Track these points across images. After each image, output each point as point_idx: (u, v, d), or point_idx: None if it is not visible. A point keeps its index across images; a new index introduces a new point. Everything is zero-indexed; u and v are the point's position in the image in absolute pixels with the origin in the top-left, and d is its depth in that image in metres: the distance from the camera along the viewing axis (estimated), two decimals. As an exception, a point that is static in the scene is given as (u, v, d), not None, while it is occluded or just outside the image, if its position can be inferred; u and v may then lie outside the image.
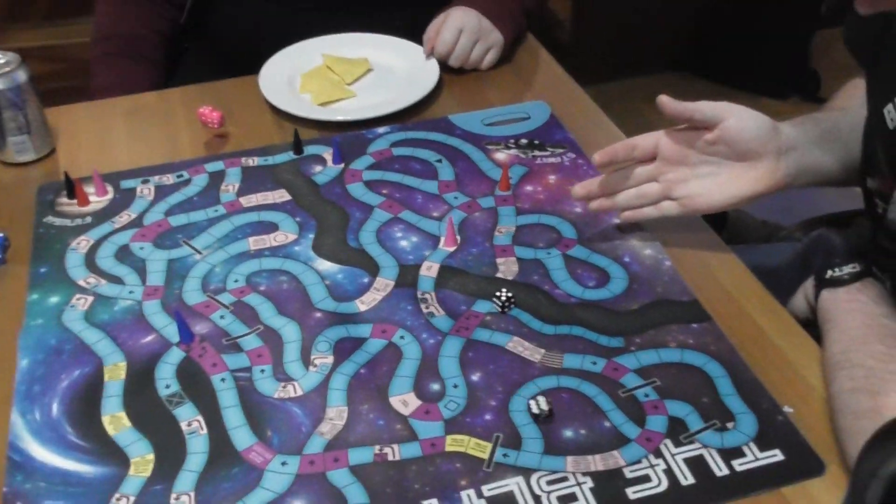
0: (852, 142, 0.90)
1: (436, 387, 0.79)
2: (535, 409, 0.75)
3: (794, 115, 0.95)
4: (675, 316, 0.85)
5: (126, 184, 1.03)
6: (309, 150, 1.09)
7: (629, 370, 0.80)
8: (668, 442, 0.73)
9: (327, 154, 1.08)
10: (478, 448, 0.73)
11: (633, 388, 0.78)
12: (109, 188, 1.02)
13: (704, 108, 0.86)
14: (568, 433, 0.74)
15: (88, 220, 0.98)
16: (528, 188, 1.02)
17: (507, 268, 0.91)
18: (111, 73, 1.33)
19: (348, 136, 1.11)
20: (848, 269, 0.80)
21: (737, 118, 0.86)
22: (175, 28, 1.41)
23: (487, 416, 0.76)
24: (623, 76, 2.76)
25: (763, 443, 0.73)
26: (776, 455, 0.72)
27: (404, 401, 0.77)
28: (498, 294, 0.86)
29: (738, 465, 0.71)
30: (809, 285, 0.85)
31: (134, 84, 1.29)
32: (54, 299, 0.88)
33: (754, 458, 0.72)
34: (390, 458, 0.73)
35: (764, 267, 0.96)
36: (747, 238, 1.23)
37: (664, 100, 0.86)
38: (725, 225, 1.20)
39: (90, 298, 0.88)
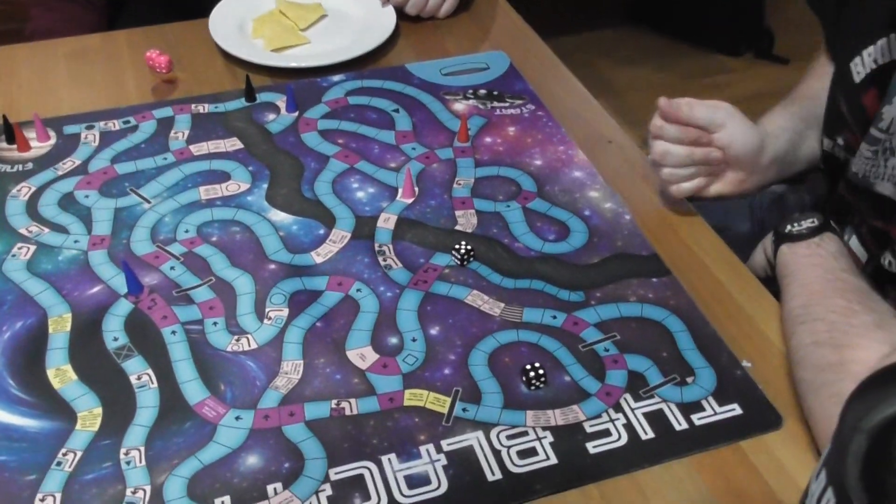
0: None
1: (394, 340, 0.77)
2: (531, 373, 0.73)
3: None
4: (635, 270, 0.84)
5: (69, 129, 0.99)
6: (262, 97, 1.05)
7: (589, 324, 0.79)
8: (628, 396, 0.73)
9: (280, 102, 1.05)
10: (437, 402, 0.72)
11: (593, 343, 0.77)
12: (52, 133, 0.98)
13: (700, 114, 0.86)
14: (528, 387, 0.73)
15: (30, 166, 0.94)
16: (488, 140, 1.00)
17: (466, 220, 0.90)
18: (49, 16, 1.27)
19: (302, 83, 1.08)
20: (807, 224, 0.80)
21: (728, 133, 0.86)
22: None
23: (446, 371, 0.75)
24: (579, 29, 2.74)
25: (722, 397, 0.73)
26: (735, 409, 0.72)
27: (362, 354, 0.76)
28: (457, 247, 0.85)
29: (697, 419, 0.71)
30: (768, 241, 0.86)
31: (74, 29, 1.24)
32: (-6, 248, 0.84)
33: (713, 412, 0.72)
34: (347, 412, 0.71)
35: (720, 224, 0.96)
36: (703, 194, 1.23)
37: (662, 103, 0.87)
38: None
39: (32, 248, 0.84)
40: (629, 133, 1.05)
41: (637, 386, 0.74)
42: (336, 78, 1.09)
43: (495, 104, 1.06)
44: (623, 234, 0.88)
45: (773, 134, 0.91)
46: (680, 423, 0.71)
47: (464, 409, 0.72)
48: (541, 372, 0.73)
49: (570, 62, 1.20)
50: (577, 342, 0.77)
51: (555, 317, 0.80)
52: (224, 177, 0.94)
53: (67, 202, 0.90)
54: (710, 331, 0.79)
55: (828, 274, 0.74)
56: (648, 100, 2.68)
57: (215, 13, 1.17)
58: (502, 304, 0.81)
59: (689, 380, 0.74)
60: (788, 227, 0.81)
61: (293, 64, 1.10)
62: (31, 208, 0.88)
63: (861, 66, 0.80)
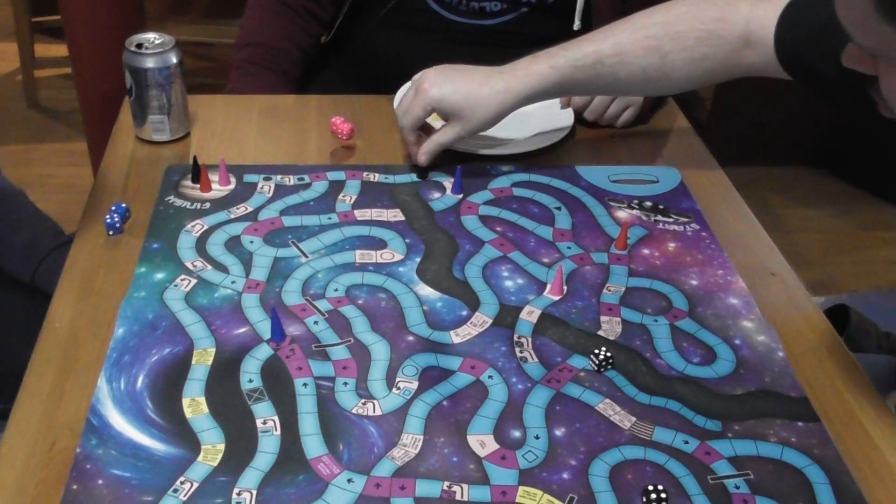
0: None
1: (517, 434, 0.76)
2: (653, 495, 0.70)
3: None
4: (780, 410, 0.80)
5: (249, 178, 1.05)
6: (430, 175, 1.08)
7: (722, 457, 0.75)
8: (754, 541, 0.68)
9: (447, 182, 1.07)
10: (549, 506, 0.70)
11: (724, 477, 0.73)
12: (232, 179, 1.04)
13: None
14: (647, 510, 0.70)
15: (207, 205, 1.00)
16: (645, 251, 0.99)
17: (610, 327, 0.88)
18: (248, 81, 1.35)
19: (471, 168, 1.10)
20: None
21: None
22: (316, 45, 1.44)
23: (565, 475, 0.72)
24: (755, 163, 2.68)
25: (858, 564, 0.67)
26: (871, 580, 0.66)
27: (482, 441, 0.75)
28: (596, 352, 0.83)
29: (827, 581, 0.66)
30: None
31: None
32: (160, 276, 0.89)
33: (846, 577, 0.66)
34: (458, 497, 0.70)
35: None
36: (867, 348, 1.16)
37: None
38: (847, 329, 1.14)
39: (193, 281, 0.89)
40: (794, 272, 1.01)
41: (765, 532, 0.69)
42: (505, 168, 1.11)
43: (659, 218, 1.04)
44: (773, 371, 0.84)
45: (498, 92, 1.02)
46: (807, 583, 0.65)
47: (576, 519, 0.69)
48: (663, 496, 0.70)
49: (742, 194, 1.17)
50: (706, 472, 0.73)
51: (687, 442, 0.76)
52: (381, 244, 0.96)
53: (233, 244, 0.94)
54: (854, 489, 0.73)
55: None
56: (820, 244, 2.57)
57: (401, 92, 1.22)
58: (633, 419, 0.78)
59: (824, 538, 0.69)
60: None
61: (467, 149, 1.13)
62: (200, 244, 0.94)
63: None
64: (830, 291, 2.04)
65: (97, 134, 1.87)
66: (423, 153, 1.06)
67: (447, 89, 1.02)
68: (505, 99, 1.02)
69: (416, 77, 1.06)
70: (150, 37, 1.06)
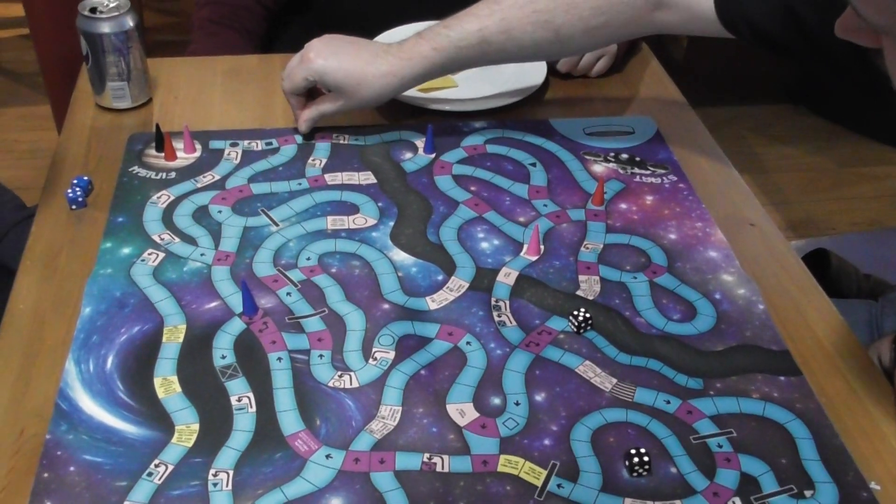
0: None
1: (496, 401, 0.75)
2: (636, 459, 0.69)
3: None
4: (762, 364, 0.79)
5: (215, 144, 1.02)
6: (402, 135, 1.06)
7: (705, 416, 0.74)
8: (738, 500, 0.68)
9: (419, 142, 1.05)
10: (531, 473, 0.69)
11: (707, 436, 0.73)
12: (198, 146, 1.01)
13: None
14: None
15: (173, 175, 0.97)
16: (623, 206, 0.97)
17: (588, 286, 0.86)
18: (211, 41, 1.31)
19: (443, 125, 1.08)
20: None
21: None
22: (280, 1, 1.40)
23: (546, 441, 0.71)
24: (733, 102, 2.66)
25: (842, 519, 0.67)
26: (855, 535, 0.66)
27: (461, 410, 0.74)
28: (575, 313, 0.82)
29: (812, 538, 0.65)
30: (885, 348, 0.79)
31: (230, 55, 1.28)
32: (126, 250, 0.86)
33: (830, 534, 0.66)
34: (438, 468, 0.69)
35: None
36: (847, 291, 1.16)
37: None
38: (827, 273, 1.13)
39: (161, 255, 0.86)
40: (773, 214, 1.00)
41: (749, 491, 0.68)
42: (477, 124, 1.09)
43: (636, 170, 1.02)
44: (754, 325, 0.83)
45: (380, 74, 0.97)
46: (791, 540, 0.65)
47: (559, 486, 0.68)
48: (646, 459, 0.69)
49: (720, 134, 1.16)
50: (688, 432, 0.73)
51: (668, 402, 0.75)
52: (353, 209, 0.94)
53: (201, 215, 0.92)
54: (837, 443, 0.72)
55: None
56: (798, 181, 2.55)
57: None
58: (614, 380, 0.77)
59: (808, 493, 0.68)
60: None
61: (437, 106, 1.10)
62: (167, 216, 0.91)
63: None
64: (810, 230, 2.04)
65: (60, 97, 1.81)
66: (304, 120, 1.02)
67: (332, 63, 0.97)
68: (389, 82, 0.98)
69: (306, 45, 1.01)
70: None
